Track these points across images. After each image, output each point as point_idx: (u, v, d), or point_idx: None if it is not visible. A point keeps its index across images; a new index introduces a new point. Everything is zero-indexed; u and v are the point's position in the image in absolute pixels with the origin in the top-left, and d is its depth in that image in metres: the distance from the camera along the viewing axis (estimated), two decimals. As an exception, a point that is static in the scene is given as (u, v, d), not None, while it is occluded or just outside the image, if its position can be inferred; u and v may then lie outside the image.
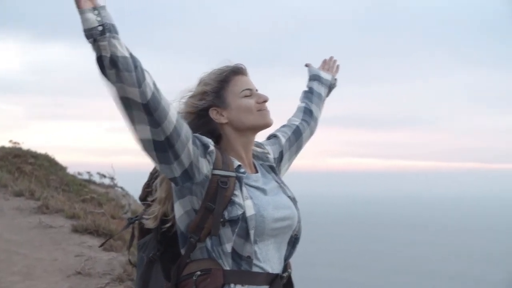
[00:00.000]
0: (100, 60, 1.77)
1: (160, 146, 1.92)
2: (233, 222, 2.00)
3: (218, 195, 2.00)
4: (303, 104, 2.73)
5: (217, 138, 2.19)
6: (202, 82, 2.21)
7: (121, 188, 11.33)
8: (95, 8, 1.76)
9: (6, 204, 10.15)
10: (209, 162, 2.03)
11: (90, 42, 1.75)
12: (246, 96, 2.18)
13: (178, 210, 2.07)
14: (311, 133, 2.68)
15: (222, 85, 2.18)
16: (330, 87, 2.89)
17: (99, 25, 1.74)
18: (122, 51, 1.77)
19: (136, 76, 1.80)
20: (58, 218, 9.07)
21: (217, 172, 2.03)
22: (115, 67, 1.77)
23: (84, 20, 1.74)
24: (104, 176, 17.34)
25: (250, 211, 2.01)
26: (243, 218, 2.00)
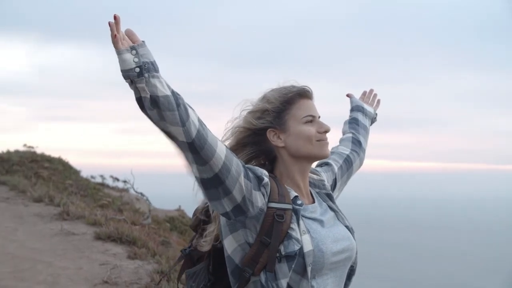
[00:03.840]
0: (140, 101, 1.70)
1: (209, 183, 1.84)
2: (289, 257, 1.91)
3: (274, 229, 1.91)
4: (350, 134, 2.65)
5: (273, 161, 2.13)
6: (265, 99, 2.12)
7: (141, 193, 11.25)
8: (133, 47, 1.69)
9: (26, 210, 10.13)
10: (264, 195, 1.94)
11: (128, 83, 1.70)
12: (307, 122, 2.09)
13: (231, 244, 1.99)
14: (360, 164, 2.61)
15: (285, 107, 2.09)
16: (372, 120, 2.82)
17: (136, 67, 1.67)
18: (162, 90, 1.70)
19: (179, 115, 1.73)
20: (79, 224, 9.01)
21: (272, 205, 1.94)
22: (156, 107, 1.70)
23: (121, 61, 1.68)
24: (117, 180, 17.35)
25: (307, 247, 1.93)
26: (300, 253, 1.92)
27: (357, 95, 2.89)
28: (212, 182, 1.83)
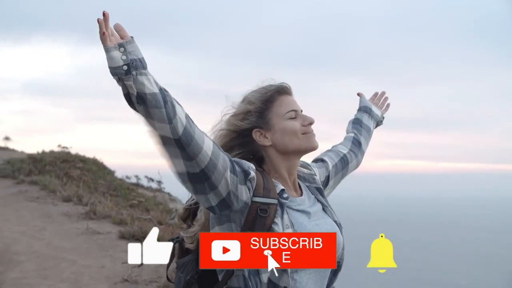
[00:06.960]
0: (128, 96, 1.71)
1: (196, 178, 1.85)
2: None
3: (256, 224, 1.93)
4: (352, 134, 2.67)
5: (260, 160, 2.13)
6: (246, 100, 2.14)
7: (168, 194, 11.33)
8: (121, 44, 1.70)
9: (55, 210, 10.32)
10: (249, 189, 1.95)
11: (116, 80, 1.70)
12: (291, 118, 2.10)
13: None
14: (357, 165, 2.61)
15: (266, 105, 2.11)
16: (377, 123, 2.83)
17: (124, 64, 1.68)
18: (150, 88, 1.71)
19: (166, 112, 1.73)
20: (105, 224, 9.12)
21: (257, 199, 1.95)
22: (143, 104, 1.71)
23: (109, 59, 1.68)
24: (152, 180, 17.49)
25: None
26: None
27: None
28: (199, 177, 1.84)
